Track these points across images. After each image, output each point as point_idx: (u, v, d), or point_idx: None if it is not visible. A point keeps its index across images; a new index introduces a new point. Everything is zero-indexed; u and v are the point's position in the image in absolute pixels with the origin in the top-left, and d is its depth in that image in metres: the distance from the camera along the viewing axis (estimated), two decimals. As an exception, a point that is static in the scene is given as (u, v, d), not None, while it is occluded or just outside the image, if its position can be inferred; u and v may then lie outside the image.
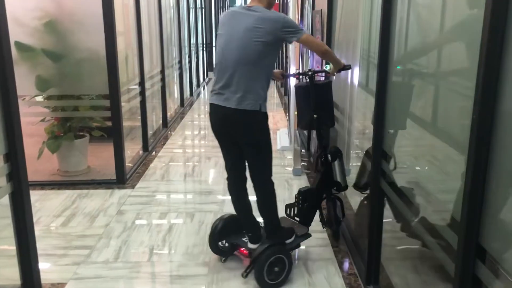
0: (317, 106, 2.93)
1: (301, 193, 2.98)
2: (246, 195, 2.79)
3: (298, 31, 2.55)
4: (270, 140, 2.66)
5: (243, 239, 2.83)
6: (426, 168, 1.98)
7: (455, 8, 1.74)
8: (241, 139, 2.62)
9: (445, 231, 1.64)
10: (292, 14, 4.89)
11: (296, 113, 3.20)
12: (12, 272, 2.57)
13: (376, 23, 2.87)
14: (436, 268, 2.01)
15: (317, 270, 2.81)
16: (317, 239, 3.19)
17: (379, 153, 2.40)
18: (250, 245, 2.77)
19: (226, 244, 2.92)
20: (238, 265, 2.86)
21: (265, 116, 2.58)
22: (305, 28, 5.51)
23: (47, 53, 3.94)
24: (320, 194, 3.07)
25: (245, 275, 2.68)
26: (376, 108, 2.40)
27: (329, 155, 3.04)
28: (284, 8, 9.50)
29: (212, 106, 2.62)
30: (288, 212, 3.09)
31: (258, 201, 2.74)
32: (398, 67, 2.38)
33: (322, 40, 4.08)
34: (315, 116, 2.93)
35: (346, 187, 3.06)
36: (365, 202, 3.19)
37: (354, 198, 3.48)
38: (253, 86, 2.51)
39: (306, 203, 2.98)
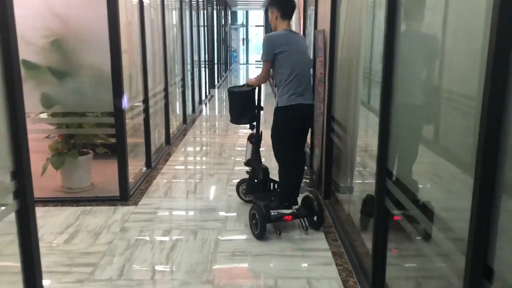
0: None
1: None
2: None
3: None
4: None
5: (275, 212, 3.51)
6: (432, 187, 1.99)
7: (461, 25, 1.77)
8: (309, 124, 3.84)
9: (452, 251, 1.64)
10: (295, 33, 4.94)
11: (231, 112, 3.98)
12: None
13: (377, 42, 2.92)
14: None
15: (321, 288, 2.80)
16: (320, 257, 3.19)
17: (383, 171, 2.41)
18: (295, 207, 3.60)
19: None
20: (243, 282, 2.85)
21: None
22: (308, 47, 5.57)
23: (52, 71, 3.98)
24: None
25: (306, 227, 3.58)
26: (380, 126, 2.42)
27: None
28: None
29: (298, 105, 3.49)
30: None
31: (304, 165, 3.82)
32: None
33: (325, 59, 4.13)
34: (262, 110, 3.86)
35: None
36: (370, 219, 3.19)
37: (357, 215, 3.48)
38: None
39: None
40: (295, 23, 5.03)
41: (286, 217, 3.52)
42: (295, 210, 3.58)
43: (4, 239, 3.22)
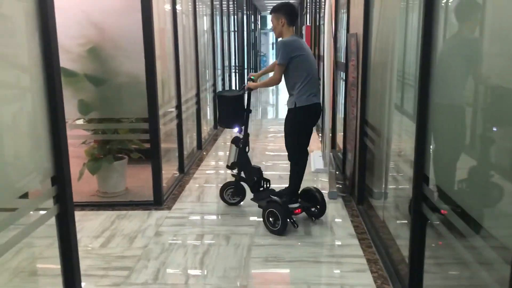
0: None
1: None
2: None
3: None
4: None
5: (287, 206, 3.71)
6: (472, 192, 1.94)
7: (502, 24, 1.73)
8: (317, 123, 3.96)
9: (495, 259, 1.59)
10: (327, 37, 4.92)
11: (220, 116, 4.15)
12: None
13: (412, 44, 2.87)
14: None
15: (356, 296, 2.76)
16: (354, 263, 3.15)
17: (420, 177, 2.36)
18: (301, 201, 3.88)
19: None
20: (275, 287, 2.85)
21: None
22: (340, 51, 5.54)
23: (89, 78, 4.09)
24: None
25: (314, 218, 3.89)
26: (417, 129, 2.37)
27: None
28: (316, 30, 9.57)
29: (314, 105, 3.71)
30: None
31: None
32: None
33: (358, 63, 4.09)
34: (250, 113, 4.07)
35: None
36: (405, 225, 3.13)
37: (392, 221, 3.42)
38: None
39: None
40: (327, 26, 5.00)
41: (296, 210, 3.77)
42: (300, 204, 3.83)
43: (44, 242, 3.33)
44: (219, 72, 8.86)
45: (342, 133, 5.09)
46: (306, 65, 3.67)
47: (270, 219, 3.65)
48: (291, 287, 2.87)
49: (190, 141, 6.18)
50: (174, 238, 3.57)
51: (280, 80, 3.73)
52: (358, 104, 4.09)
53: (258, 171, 4.08)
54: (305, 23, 13.82)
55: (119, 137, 4.40)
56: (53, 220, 2.39)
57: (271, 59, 28.28)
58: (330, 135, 5.23)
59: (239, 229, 3.76)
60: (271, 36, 27.72)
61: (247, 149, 4.09)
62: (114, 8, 4.06)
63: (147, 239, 3.56)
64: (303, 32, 12.85)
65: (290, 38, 3.70)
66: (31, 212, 2.22)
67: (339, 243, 3.49)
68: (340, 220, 3.92)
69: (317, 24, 9.28)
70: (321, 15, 8.20)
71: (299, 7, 15.32)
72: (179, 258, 3.24)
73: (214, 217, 4.09)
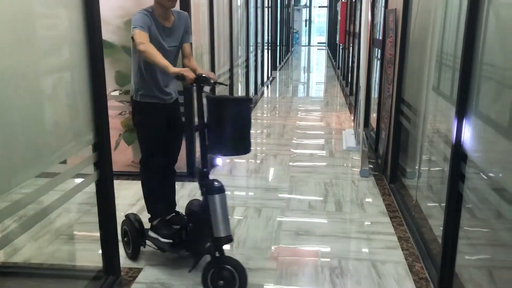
0: None
1: None
2: None
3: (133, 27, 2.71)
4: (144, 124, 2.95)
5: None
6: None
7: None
8: None
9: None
10: (365, 13, 4.82)
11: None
12: (94, 256, 2.75)
13: (452, 22, 2.80)
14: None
15: (387, 272, 2.77)
16: (385, 241, 3.15)
17: (458, 155, 2.33)
18: None
19: None
20: (307, 260, 2.88)
21: (137, 105, 2.87)
22: (377, 27, 5.42)
23: (126, 50, 4.14)
24: None
25: None
26: (458, 106, 2.32)
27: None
28: (353, 6, 9.38)
29: None
30: None
31: None
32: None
33: (396, 40, 4.00)
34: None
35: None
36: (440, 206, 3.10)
37: (424, 201, 3.39)
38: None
39: None
40: (365, 2, 4.89)
41: None
42: None
43: (82, 208, 3.45)
44: (252, 48, 8.82)
45: (376, 112, 5.02)
46: None
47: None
48: (322, 260, 2.90)
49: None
50: (206, 209, 3.63)
51: None
52: (394, 82, 4.03)
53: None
54: (340, -1, 13.53)
55: (154, 110, 4.46)
56: (90, 188, 2.47)
57: (304, 36, 27.95)
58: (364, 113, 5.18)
59: (271, 203, 3.80)
60: (305, 13, 27.32)
61: None
62: (151, -20, 4.07)
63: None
64: (338, 9, 12.61)
65: None
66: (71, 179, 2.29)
67: (370, 220, 3.49)
68: (371, 198, 3.91)
69: (353, 0, 9.08)
70: (358, -9, 8.03)
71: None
72: (211, 229, 3.31)
73: (245, 190, 4.15)
